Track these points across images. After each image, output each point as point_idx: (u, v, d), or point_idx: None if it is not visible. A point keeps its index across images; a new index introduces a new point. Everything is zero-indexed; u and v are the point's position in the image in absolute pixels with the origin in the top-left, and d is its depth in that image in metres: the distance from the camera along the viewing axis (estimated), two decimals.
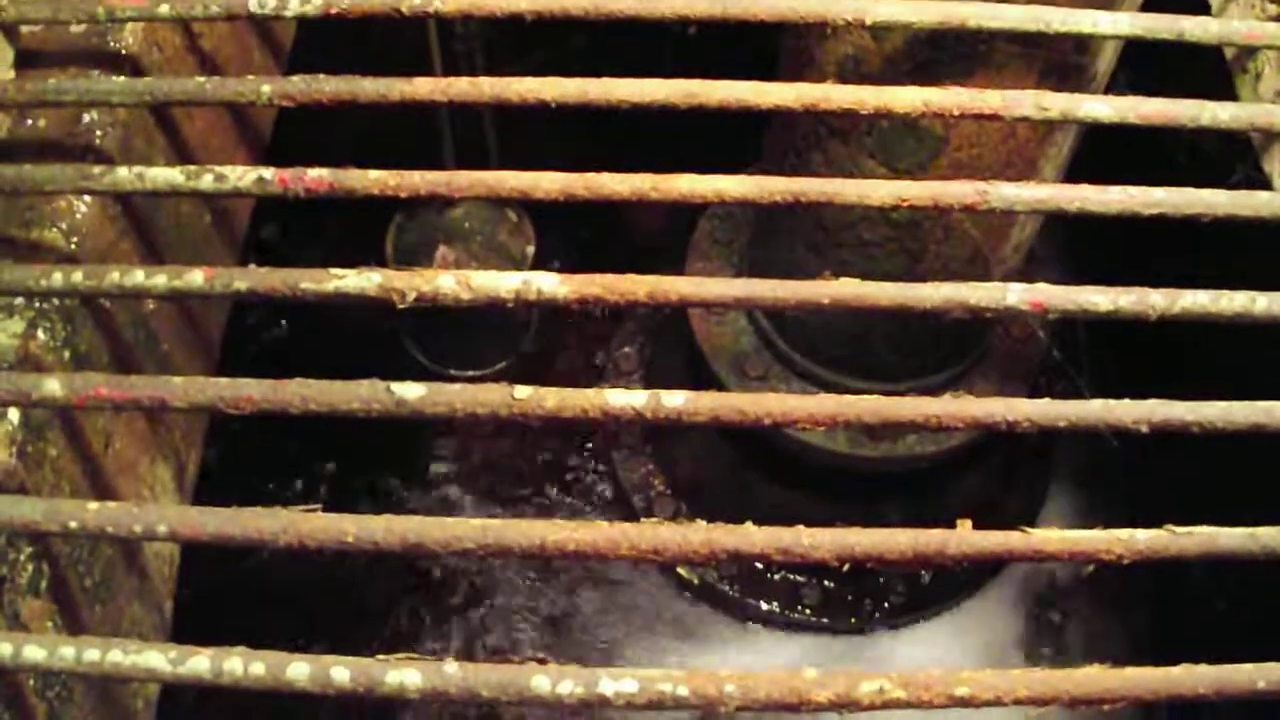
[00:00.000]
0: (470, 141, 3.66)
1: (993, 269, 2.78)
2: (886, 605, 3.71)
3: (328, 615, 3.61)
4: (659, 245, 3.97)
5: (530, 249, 3.79)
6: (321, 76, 1.37)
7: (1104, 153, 2.44)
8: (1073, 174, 2.65)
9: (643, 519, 3.65)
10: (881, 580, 3.72)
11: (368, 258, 3.75)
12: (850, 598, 3.73)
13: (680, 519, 3.72)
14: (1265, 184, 1.73)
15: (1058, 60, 2.23)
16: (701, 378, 3.38)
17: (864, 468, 3.29)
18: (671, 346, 3.79)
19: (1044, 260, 3.33)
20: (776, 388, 3.26)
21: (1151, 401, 1.19)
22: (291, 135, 2.08)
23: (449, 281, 1.19)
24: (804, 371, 3.23)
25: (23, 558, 1.38)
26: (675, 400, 1.13)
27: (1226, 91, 1.88)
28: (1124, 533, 1.12)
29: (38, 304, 1.45)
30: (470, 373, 4.01)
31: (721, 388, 3.29)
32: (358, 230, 3.72)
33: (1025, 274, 2.94)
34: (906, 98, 1.35)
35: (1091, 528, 1.13)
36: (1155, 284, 1.27)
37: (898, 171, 2.44)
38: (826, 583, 3.72)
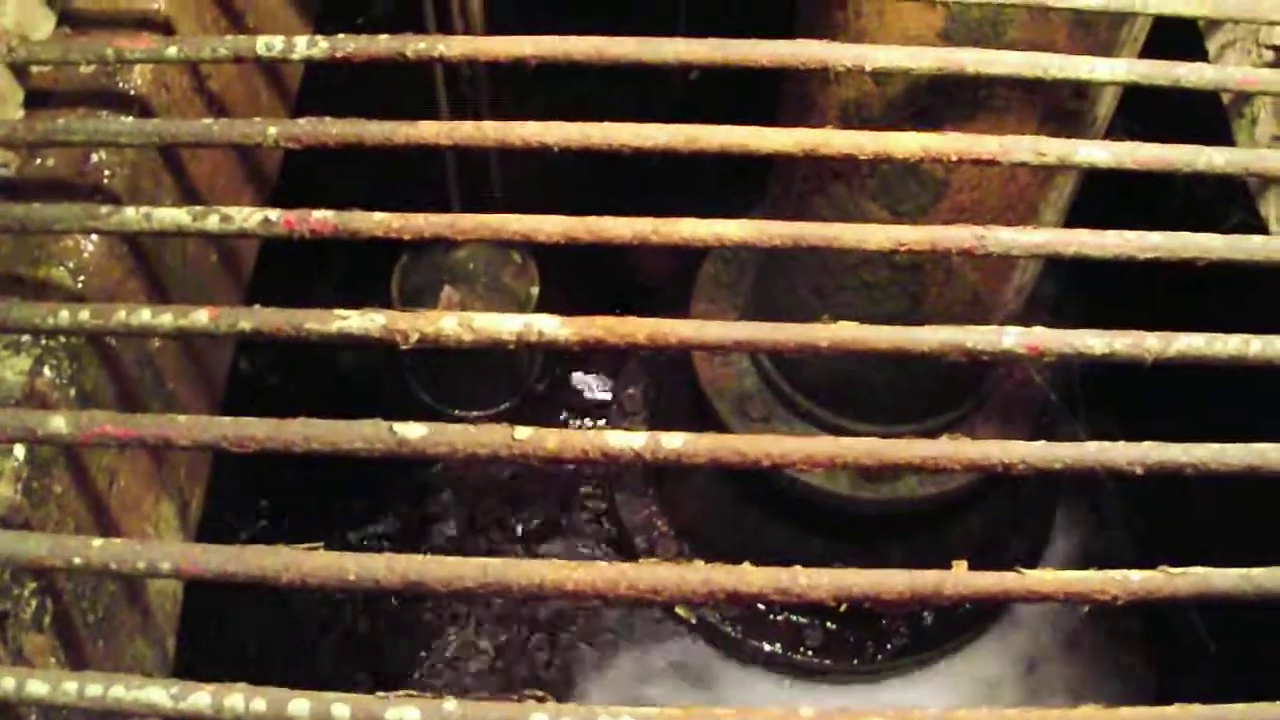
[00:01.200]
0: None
1: (994, 311, 2.79)
2: (889, 647, 3.71)
3: None
4: (664, 285, 3.99)
5: (535, 290, 3.81)
6: (327, 119, 1.39)
7: (1110, 192, 2.45)
8: (1076, 215, 2.66)
9: (644, 559, 3.68)
10: (884, 622, 3.72)
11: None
12: (852, 639, 3.73)
13: (682, 558, 3.74)
14: (1261, 227, 1.74)
15: (1058, 105, 2.25)
16: (705, 418, 3.39)
17: (866, 509, 3.30)
18: (676, 387, 3.80)
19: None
20: (779, 429, 3.27)
21: (1146, 444, 1.20)
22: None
23: (451, 323, 1.20)
24: (806, 413, 3.24)
25: (27, 593, 1.39)
26: (674, 442, 1.14)
27: (1226, 131, 1.89)
28: (1118, 574, 1.13)
29: (44, 341, 1.46)
30: (475, 413, 4.02)
31: (724, 429, 3.30)
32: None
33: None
34: (905, 143, 1.37)
35: (1096, 563, 1.13)
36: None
37: (899, 215, 2.46)
38: (829, 624, 3.73)
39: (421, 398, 4.00)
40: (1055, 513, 3.98)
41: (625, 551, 3.92)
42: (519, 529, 3.99)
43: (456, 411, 4.02)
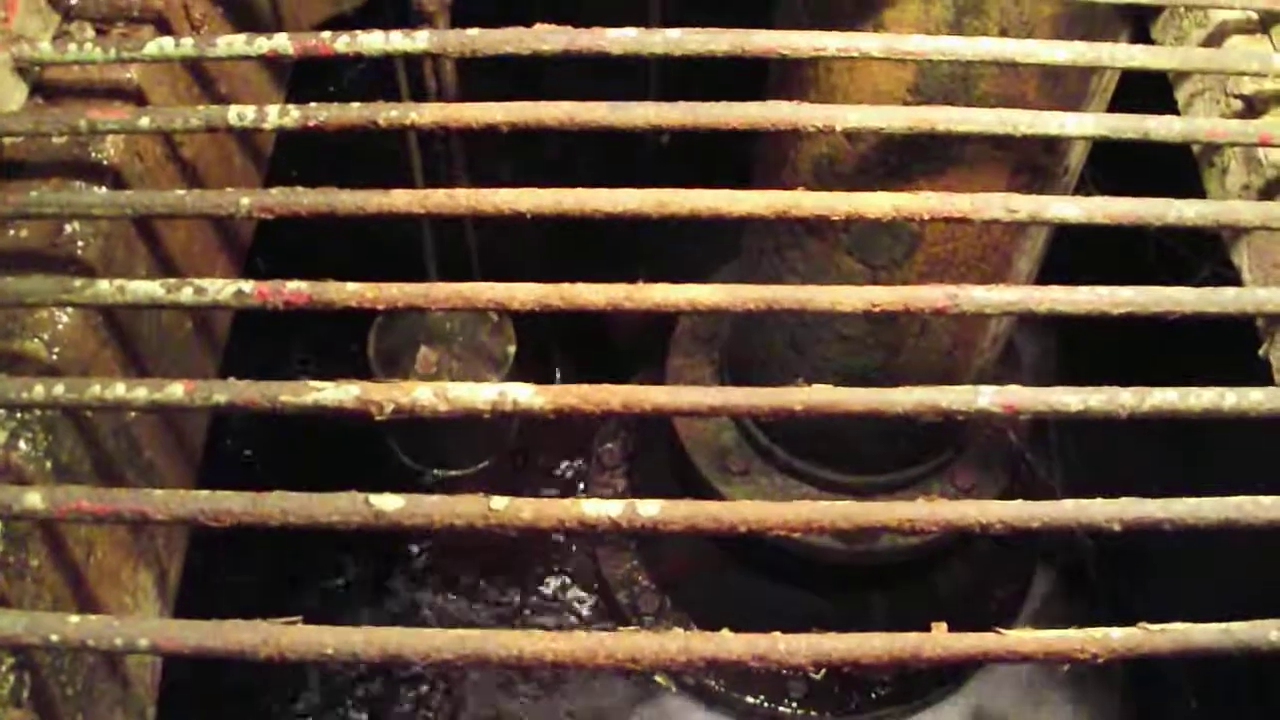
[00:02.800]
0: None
1: (971, 360, 2.80)
2: (874, 696, 3.71)
3: None
4: (640, 338, 4.00)
5: (511, 348, 3.80)
6: (299, 189, 1.39)
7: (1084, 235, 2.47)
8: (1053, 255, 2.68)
9: (627, 614, 3.67)
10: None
11: (350, 340, 3.78)
12: (837, 689, 3.72)
13: (665, 613, 3.74)
14: (1234, 278, 1.75)
15: (1029, 158, 2.26)
16: (684, 473, 3.39)
17: (847, 560, 3.30)
18: (654, 441, 3.80)
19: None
20: (758, 482, 3.27)
21: (1123, 500, 1.21)
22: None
23: (426, 394, 1.20)
24: (786, 465, 3.24)
25: (4, 668, 1.38)
26: (650, 510, 1.14)
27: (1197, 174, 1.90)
28: (1098, 631, 1.13)
29: (20, 414, 1.46)
30: (454, 472, 4.02)
31: (704, 483, 3.30)
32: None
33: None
34: (877, 203, 1.37)
35: (1076, 610, 1.14)
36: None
37: (875, 268, 2.47)
38: (812, 675, 3.72)
39: (399, 457, 3.99)
40: (1036, 554, 3.98)
41: (608, 606, 3.91)
42: (499, 586, 3.99)
43: (435, 471, 4.02)
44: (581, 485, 4.12)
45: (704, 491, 3.32)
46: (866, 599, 3.62)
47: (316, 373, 4.12)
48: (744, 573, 3.63)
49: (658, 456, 3.76)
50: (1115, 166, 2.53)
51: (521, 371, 3.81)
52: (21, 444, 1.45)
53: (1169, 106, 1.93)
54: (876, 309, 1.30)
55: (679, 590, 3.83)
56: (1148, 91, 1.82)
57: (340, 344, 3.88)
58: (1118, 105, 2.30)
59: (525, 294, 1.27)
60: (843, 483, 3.23)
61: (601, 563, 3.92)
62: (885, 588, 3.60)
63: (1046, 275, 2.73)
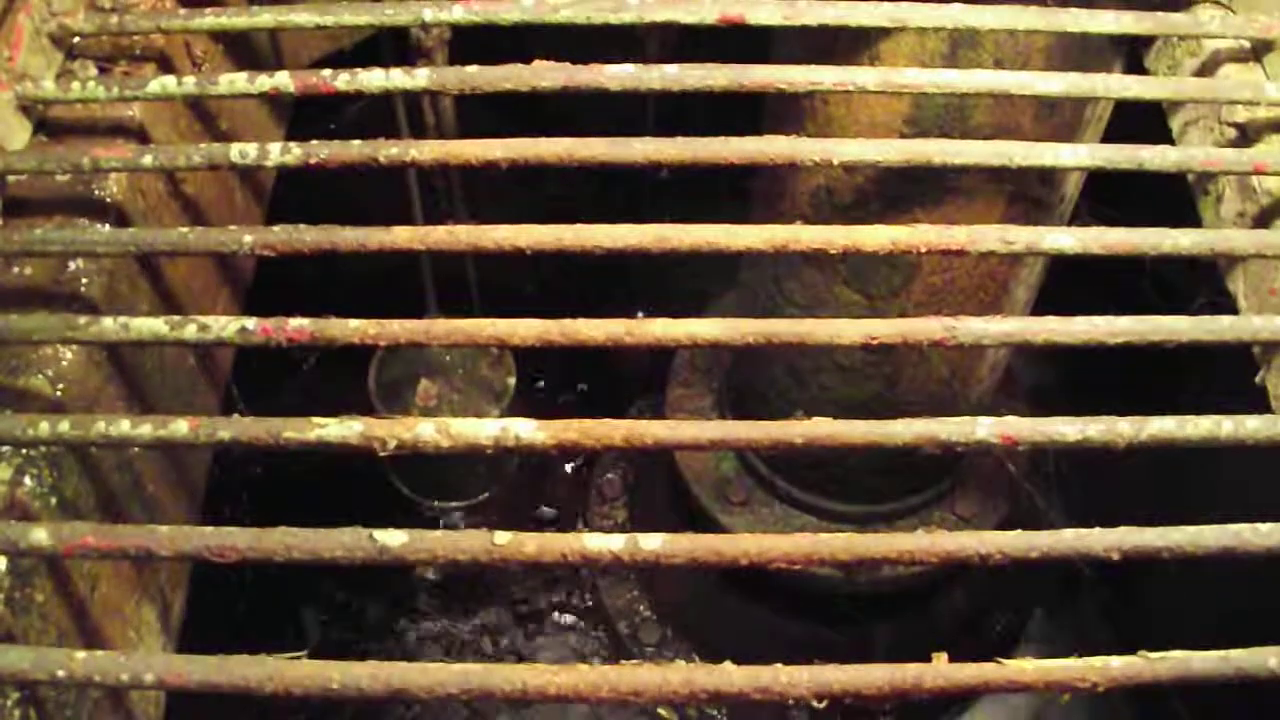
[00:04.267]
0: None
1: (970, 388, 2.81)
2: None
3: None
4: (640, 366, 4.01)
5: (511, 380, 3.81)
6: (301, 226, 1.40)
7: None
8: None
9: (628, 644, 3.67)
10: None
11: (351, 373, 3.78)
12: (840, 716, 3.72)
13: (666, 643, 3.74)
14: (1230, 306, 1.76)
15: (1024, 187, 2.27)
16: (684, 503, 3.39)
17: (848, 589, 3.30)
18: (654, 472, 3.80)
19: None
20: (759, 512, 3.28)
21: (1121, 529, 1.21)
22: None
23: (429, 430, 1.21)
24: (786, 495, 3.24)
25: (10, 703, 1.38)
26: (652, 543, 1.15)
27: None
28: (1098, 661, 1.14)
29: (25, 450, 1.46)
30: (453, 503, 4.02)
31: (704, 513, 3.30)
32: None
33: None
34: (874, 236, 1.38)
35: (1077, 635, 1.14)
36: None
37: (872, 298, 2.48)
38: (816, 702, 3.71)
39: (399, 489, 3.99)
40: (1037, 580, 3.98)
41: (609, 635, 3.91)
42: (504, 614, 3.99)
43: (435, 503, 4.02)
44: (582, 515, 4.13)
45: (704, 522, 3.33)
46: (869, 626, 3.62)
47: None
48: (745, 601, 3.63)
49: (658, 487, 3.77)
50: (1112, 190, 2.54)
51: (519, 398, 3.82)
52: (27, 480, 1.46)
53: (1163, 130, 1.94)
54: (875, 342, 1.31)
55: (679, 619, 3.83)
56: (1142, 116, 1.83)
57: (344, 375, 3.88)
58: (1113, 129, 2.31)
59: (526, 330, 1.28)
60: (843, 512, 3.24)
61: (603, 592, 3.92)
62: (887, 614, 3.60)
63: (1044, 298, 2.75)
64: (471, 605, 4.00)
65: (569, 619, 4.01)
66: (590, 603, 4.01)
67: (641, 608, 3.87)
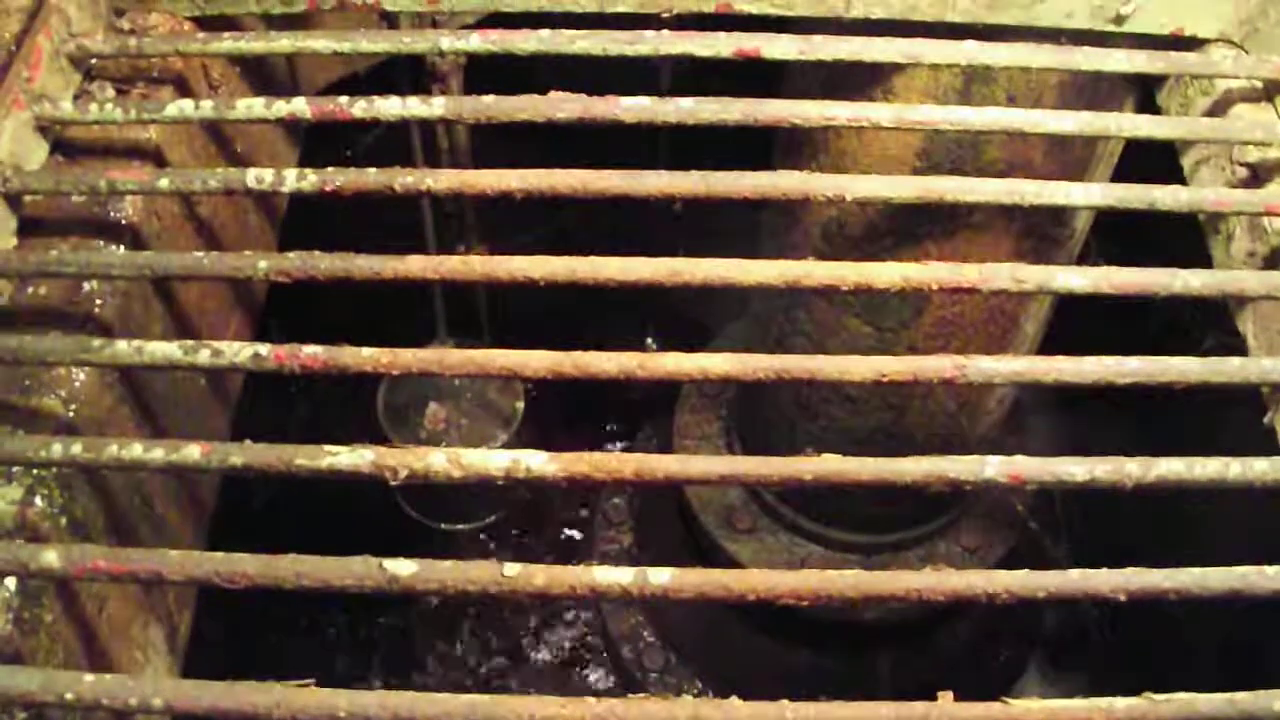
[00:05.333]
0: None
1: (978, 419, 2.81)
2: None
3: None
4: (651, 390, 4.00)
5: (520, 405, 3.81)
6: (316, 253, 1.41)
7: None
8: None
9: (632, 669, 3.67)
10: None
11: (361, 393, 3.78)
12: None
13: (670, 669, 3.74)
14: (1239, 346, 1.76)
15: (1036, 222, 2.28)
16: (690, 530, 3.39)
17: (853, 619, 3.30)
18: (661, 498, 3.80)
19: None
20: (765, 540, 3.27)
21: (1128, 570, 1.22)
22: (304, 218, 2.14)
23: (440, 460, 1.21)
24: (792, 524, 3.24)
25: None
26: (661, 577, 1.15)
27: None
28: (1103, 701, 1.14)
29: (36, 471, 1.47)
30: (461, 526, 4.02)
31: (710, 540, 3.30)
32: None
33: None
34: (886, 274, 1.39)
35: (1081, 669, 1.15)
36: None
37: (882, 330, 2.48)
38: None
39: (408, 511, 3.99)
40: (1041, 612, 3.97)
41: (613, 661, 3.91)
42: (505, 640, 3.99)
43: (443, 526, 4.01)
44: (587, 539, 4.13)
45: (710, 549, 3.33)
46: (872, 656, 3.61)
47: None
48: (749, 628, 3.63)
49: (664, 513, 3.77)
50: (1122, 225, 2.54)
51: (528, 419, 3.82)
52: (38, 500, 1.46)
53: (1175, 167, 1.95)
54: (885, 379, 1.32)
55: (683, 646, 3.83)
56: (1156, 150, 1.83)
57: (353, 397, 3.88)
58: (1125, 164, 2.32)
59: (538, 362, 1.29)
60: (850, 541, 3.24)
61: (607, 617, 3.92)
62: (890, 646, 3.60)
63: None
64: (475, 627, 4.00)
65: (572, 642, 4.01)
66: (594, 627, 4.01)
67: (646, 633, 3.86)
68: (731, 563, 3.26)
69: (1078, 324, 2.59)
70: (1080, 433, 3.87)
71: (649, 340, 4.27)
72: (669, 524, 3.69)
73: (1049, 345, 2.72)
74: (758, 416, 3.22)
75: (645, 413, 4.12)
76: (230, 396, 1.95)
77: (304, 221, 2.20)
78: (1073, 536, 3.99)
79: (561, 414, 4.29)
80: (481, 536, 4.11)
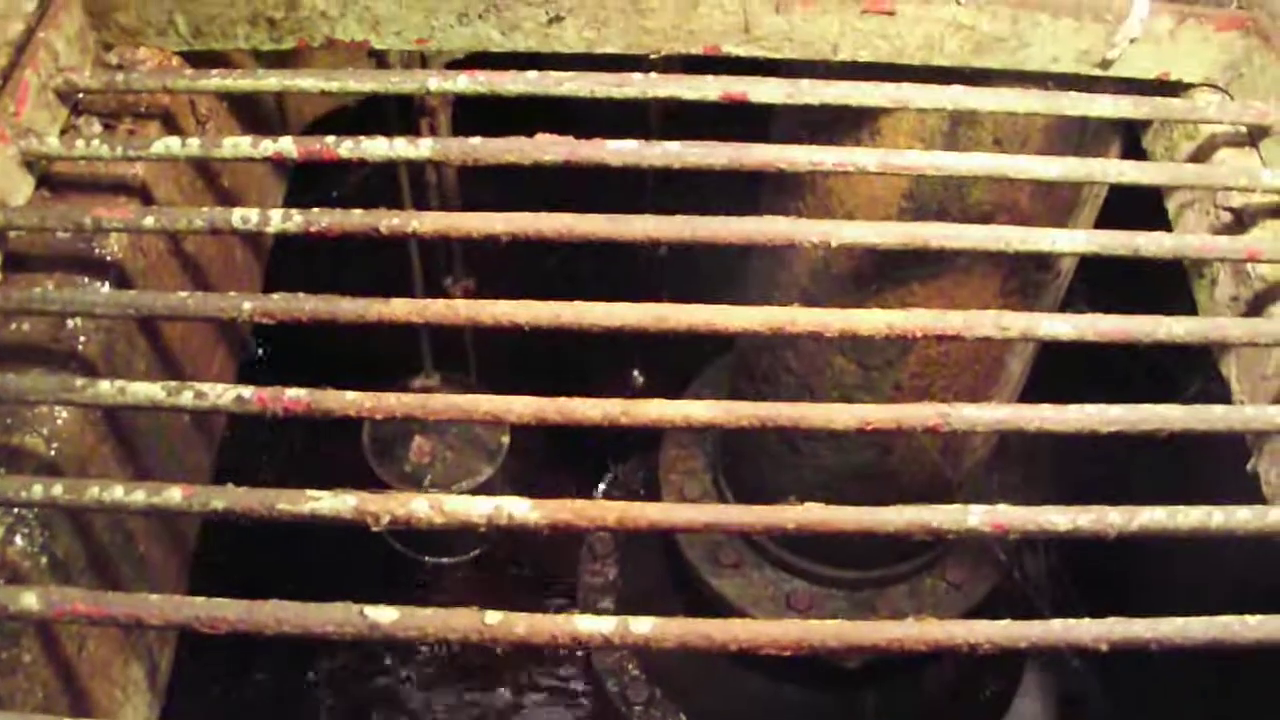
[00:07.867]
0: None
1: (963, 458, 2.81)
2: None
3: None
4: (634, 433, 4.00)
5: (505, 439, 3.81)
6: (301, 295, 1.41)
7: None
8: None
9: (617, 703, 3.66)
10: None
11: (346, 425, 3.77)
12: None
13: (654, 703, 3.73)
14: (1222, 393, 1.77)
15: (1021, 265, 2.28)
16: (675, 563, 3.39)
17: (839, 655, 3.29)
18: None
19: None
20: (749, 575, 3.27)
21: (1110, 620, 1.22)
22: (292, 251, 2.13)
23: (422, 506, 1.21)
24: (777, 559, 3.24)
25: None
26: (643, 626, 1.15)
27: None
28: None
29: (16, 510, 1.46)
30: (445, 559, 4.01)
31: (695, 575, 3.30)
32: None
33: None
34: (870, 320, 1.39)
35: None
36: None
37: (868, 368, 2.48)
38: None
39: (391, 544, 3.98)
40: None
41: (597, 693, 3.90)
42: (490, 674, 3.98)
43: (427, 558, 4.00)
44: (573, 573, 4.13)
45: (695, 584, 3.32)
46: (860, 696, 3.61)
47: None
48: (734, 663, 3.62)
49: (649, 548, 3.76)
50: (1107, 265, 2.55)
51: (513, 454, 3.81)
52: (18, 539, 1.46)
53: (1161, 207, 1.96)
54: (869, 427, 1.32)
55: (669, 679, 3.82)
56: (1141, 192, 1.84)
57: (338, 430, 3.88)
58: (1110, 207, 2.32)
59: (522, 408, 1.29)
60: (835, 577, 3.23)
61: (592, 651, 3.91)
62: (876, 682, 3.59)
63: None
64: (462, 662, 4.00)
65: (557, 677, 4.01)
66: (579, 660, 4.00)
67: (630, 666, 3.85)
68: (717, 598, 3.26)
69: (1065, 358, 2.60)
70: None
71: (634, 372, 4.26)
72: (654, 557, 3.68)
73: (1036, 379, 2.73)
74: (744, 453, 3.22)
75: (632, 444, 4.12)
76: (214, 433, 1.95)
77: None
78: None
79: (547, 447, 4.28)
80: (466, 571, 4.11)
